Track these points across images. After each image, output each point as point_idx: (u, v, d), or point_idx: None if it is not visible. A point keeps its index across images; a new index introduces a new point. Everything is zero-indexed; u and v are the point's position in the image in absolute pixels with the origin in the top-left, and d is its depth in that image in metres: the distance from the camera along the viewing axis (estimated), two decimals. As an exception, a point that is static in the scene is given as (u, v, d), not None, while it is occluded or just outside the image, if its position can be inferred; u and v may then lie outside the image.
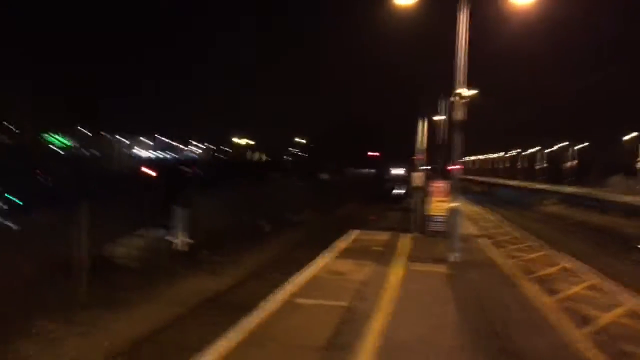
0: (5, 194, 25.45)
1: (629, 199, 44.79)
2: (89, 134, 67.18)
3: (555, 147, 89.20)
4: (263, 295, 12.97)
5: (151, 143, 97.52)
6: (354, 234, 18.83)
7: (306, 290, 10.28)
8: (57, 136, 62.89)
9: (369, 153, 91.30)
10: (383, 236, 18.68)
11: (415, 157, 30.18)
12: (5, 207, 25.72)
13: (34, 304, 11.93)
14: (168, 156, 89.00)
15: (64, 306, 11.98)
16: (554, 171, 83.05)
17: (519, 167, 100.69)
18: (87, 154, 64.63)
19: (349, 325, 8.11)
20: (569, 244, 25.17)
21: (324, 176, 48.13)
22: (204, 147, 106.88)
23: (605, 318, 9.04)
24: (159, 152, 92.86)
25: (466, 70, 14.14)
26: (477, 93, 14.75)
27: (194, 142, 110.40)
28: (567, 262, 15.17)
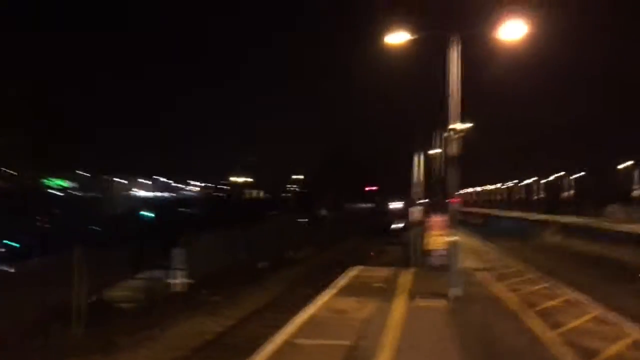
0: (3, 240, 25.39)
1: (627, 227, 44.70)
2: (87, 174, 67.28)
3: (551, 178, 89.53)
4: (263, 336, 12.80)
5: (149, 183, 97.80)
6: (354, 271, 18.69)
7: (307, 330, 10.14)
8: (55, 180, 62.94)
9: (367, 188, 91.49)
10: (383, 272, 18.55)
11: (412, 192, 30.27)
12: (2, 250, 25.64)
13: (31, 350, 11.77)
14: (166, 195, 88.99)
15: (61, 352, 11.81)
16: (552, 201, 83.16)
17: (517, 198, 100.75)
18: (84, 195, 64.53)
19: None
20: (570, 275, 25.01)
21: (323, 212, 48.10)
22: (202, 186, 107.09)
23: (610, 350, 8.92)
24: (157, 192, 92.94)
25: (459, 106, 14.31)
26: (471, 127, 14.88)
27: (193, 182, 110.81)
28: (570, 294, 15.06)
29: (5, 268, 15.97)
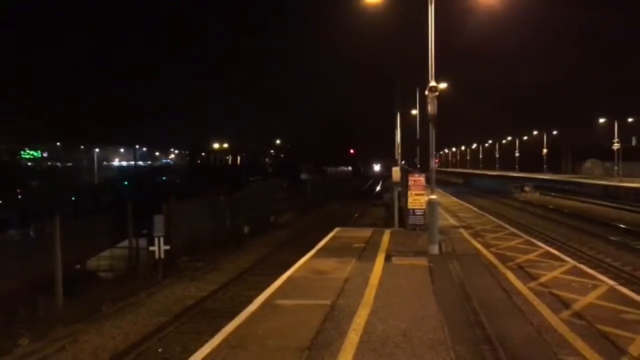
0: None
1: (602, 182, 45.66)
2: (58, 144, 65.94)
3: (527, 137, 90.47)
4: (246, 299, 12.96)
5: (124, 152, 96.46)
6: (335, 232, 18.84)
7: (287, 290, 10.23)
8: (29, 151, 61.62)
9: (350, 150, 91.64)
10: (365, 233, 18.74)
11: (396, 152, 30.32)
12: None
13: (14, 322, 11.74)
14: (141, 163, 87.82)
15: (46, 323, 11.80)
16: (529, 159, 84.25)
17: (497, 157, 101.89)
18: (60, 165, 63.43)
19: (331, 324, 8.10)
20: (548, 229, 25.60)
21: (304, 176, 48.09)
22: (177, 153, 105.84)
23: (584, 300, 9.19)
24: (139, 162, 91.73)
25: (433, 64, 14.28)
26: (446, 87, 14.88)
27: (175, 151, 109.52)
28: (547, 247, 15.42)
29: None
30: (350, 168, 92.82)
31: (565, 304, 8.98)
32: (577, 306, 8.85)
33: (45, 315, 12.36)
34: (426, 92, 14.41)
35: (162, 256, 16.41)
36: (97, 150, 69.94)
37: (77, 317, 12.35)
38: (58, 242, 13.30)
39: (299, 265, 12.70)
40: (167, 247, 16.60)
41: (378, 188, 57.56)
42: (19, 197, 35.42)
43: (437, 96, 14.34)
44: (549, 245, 17.33)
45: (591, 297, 9.47)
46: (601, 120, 63.78)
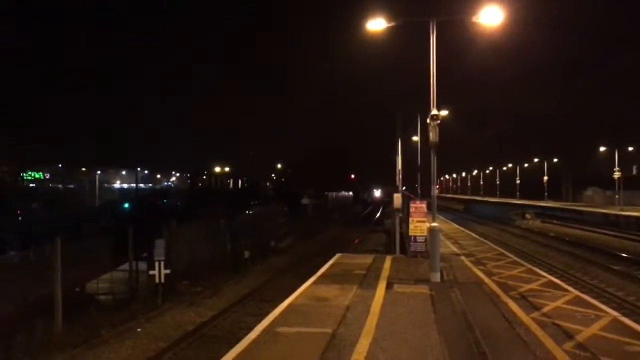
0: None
1: (604, 210, 45.60)
2: (59, 166, 66.22)
3: (527, 164, 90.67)
4: (245, 325, 12.86)
5: (125, 174, 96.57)
6: (336, 258, 18.77)
7: (288, 318, 10.15)
8: (32, 173, 61.67)
9: (351, 176, 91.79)
10: (366, 259, 18.66)
11: (397, 178, 30.41)
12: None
13: (13, 347, 11.64)
14: (142, 186, 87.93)
15: (45, 347, 11.70)
16: (530, 186, 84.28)
17: (497, 184, 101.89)
18: (61, 187, 63.48)
19: (332, 353, 8.03)
20: (549, 257, 25.49)
21: (305, 201, 48.08)
22: (178, 176, 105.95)
23: (587, 332, 9.11)
24: (140, 184, 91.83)
25: (435, 92, 14.44)
26: (446, 114, 15.02)
27: (177, 174, 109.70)
28: (549, 277, 15.33)
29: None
30: (351, 193, 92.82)
31: (569, 335, 8.90)
32: (580, 337, 8.77)
33: (43, 340, 12.25)
34: (428, 121, 14.52)
35: (163, 280, 16.33)
36: (98, 172, 70.12)
37: (76, 341, 12.24)
38: (59, 264, 13.26)
39: (300, 291, 12.62)
40: (168, 271, 16.53)
41: (378, 215, 57.53)
42: (20, 218, 35.45)
43: (438, 123, 14.44)
44: (551, 274, 17.24)
45: (595, 328, 9.39)
46: (602, 149, 64.02)
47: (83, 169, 69.38)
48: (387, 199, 52.42)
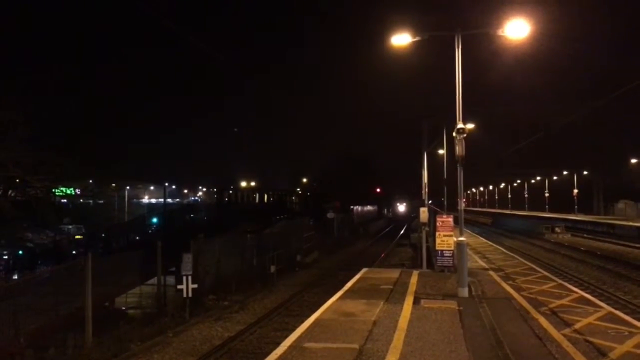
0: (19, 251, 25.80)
1: (637, 223, 44.46)
2: (90, 182, 67.60)
3: (556, 177, 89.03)
4: (272, 341, 12.88)
5: (154, 189, 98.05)
6: (363, 273, 18.68)
7: (315, 333, 10.13)
8: (63, 188, 62.93)
9: (377, 190, 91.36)
10: (393, 274, 18.52)
11: (422, 192, 30.22)
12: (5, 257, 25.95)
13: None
14: (169, 201, 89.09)
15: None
16: (559, 199, 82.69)
17: (526, 197, 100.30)
18: (90, 202, 64.60)
19: (360, 368, 7.99)
20: (581, 272, 24.95)
21: (331, 215, 48.01)
22: (204, 191, 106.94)
23: (621, 349, 8.89)
24: (168, 199, 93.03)
25: (460, 105, 14.37)
26: (474, 127, 14.90)
27: (203, 189, 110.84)
28: (581, 292, 15.01)
29: (15, 277, 16.11)
30: (376, 207, 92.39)
31: (602, 352, 8.70)
32: (613, 355, 8.56)
33: (74, 354, 12.48)
34: (454, 134, 14.44)
35: (190, 295, 16.48)
36: (127, 187, 71.25)
37: (106, 355, 12.44)
38: (90, 279, 13.52)
39: (326, 306, 12.60)
40: (195, 286, 16.68)
41: (402, 231, 57.17)
42: (52, 234, 36.20)
43: (465, 137, 14.34)
44: (583, 290, 16.87)
45: (628, 345, 9.16)
46: (633, 161, 62.49)
47: (113, 184, 70.60)
48: (413, 215, 52.01)
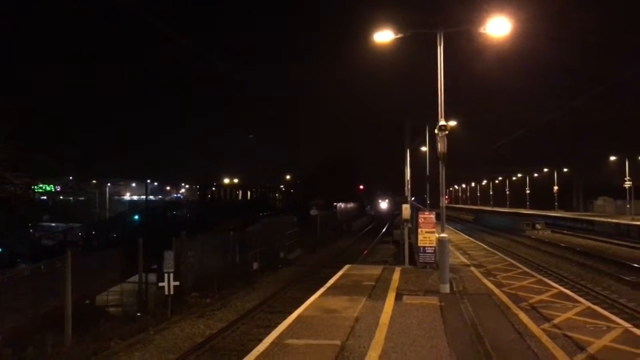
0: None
1: (615, 220, 45.19)
2: (70, 178, 66.85)
3: (537, 174, 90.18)
4: (254, 337, 12.87)
5: (134, 186, 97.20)
6: (345, 269, 18.73)
7: (297, 329, 10.14)
8: (43, 185, 62.15)
9: (360, 187, 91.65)
10: (375, 270, 18.58)
11: (405, 189, 30.35)
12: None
13: (24, 358, 11.71)
14: (152, 198, 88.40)
15: None
16: (540, 196, 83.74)
17: (507, 194, 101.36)
18: (71, 199, 63.97)
19: (342, 365, 8.00)
20: (560, 268, 25.29)
21: (314, 212, 48.01)
22: (187, 187, 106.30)
23: (599, 343, 9.03)
24: (150, 196, 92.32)
25: (442, 102, 14.46)
26: (456, 124, 14.99)
27: (186, 186, 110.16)
28: (560, 288, 15.21)
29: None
30: (359, 204, 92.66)
31: (580, 347, 8.82)
32: (592, 349, 8.69)
33: (54, 352, 12.32)
34: (436, 131, 14.52)
35: (172, 292, 16.38)
36: (109, 184, 70.59)
37: (86, 353, 12.31)
38: (69, 277, 13.37)
39: (308, 303, 12.60)
40: (177, 283, 16.59)
41: (384, 229, 57.41)
42: (31, 231, 35.63)
43: (446, 134, 14.43)
44: (562, 285, 17.10)
45: (606, 339, 9.30)
46: (612, 158, 63.48)
47: (93, 181, 69.83)
48: (396, 212, 52.19)
